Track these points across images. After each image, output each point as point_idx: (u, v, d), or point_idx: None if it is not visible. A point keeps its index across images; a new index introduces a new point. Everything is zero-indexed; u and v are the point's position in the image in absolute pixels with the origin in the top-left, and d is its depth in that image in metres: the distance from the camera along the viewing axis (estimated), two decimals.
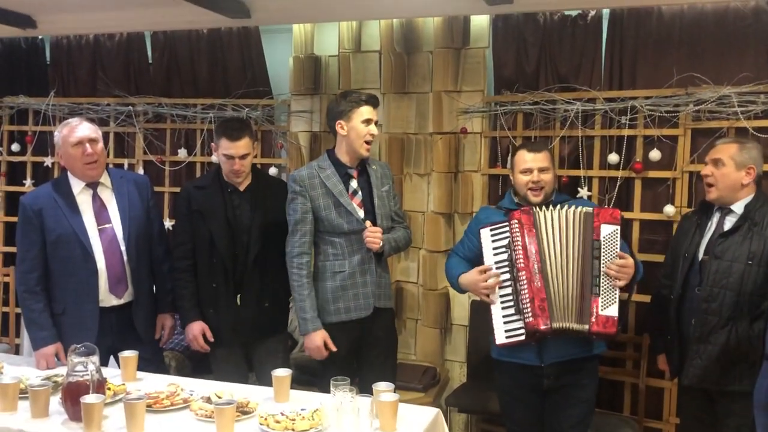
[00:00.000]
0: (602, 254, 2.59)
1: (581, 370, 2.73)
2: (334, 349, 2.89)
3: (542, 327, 2.56)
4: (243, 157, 2.99)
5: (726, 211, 2.75)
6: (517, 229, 2.65)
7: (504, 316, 2.67)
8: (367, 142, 2.89)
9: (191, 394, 2.53)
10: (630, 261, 2.59)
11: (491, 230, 2.74)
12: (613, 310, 2.55)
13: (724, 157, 2.70)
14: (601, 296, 2.56)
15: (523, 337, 2.62)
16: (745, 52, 3.34)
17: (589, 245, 2.61)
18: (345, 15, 3.91)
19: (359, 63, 4.07)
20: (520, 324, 2.62)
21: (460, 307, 3.99)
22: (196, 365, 3.76)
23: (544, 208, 2.69)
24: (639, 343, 3.53)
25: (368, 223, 2.89)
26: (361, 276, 2.91)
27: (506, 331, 2.65)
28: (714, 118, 3.36)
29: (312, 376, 3.40)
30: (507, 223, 2.69)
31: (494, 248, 2.72)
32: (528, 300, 2.59)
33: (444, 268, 3.02)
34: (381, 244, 2.87)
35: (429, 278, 4.00)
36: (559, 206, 2.67)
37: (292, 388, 2.58)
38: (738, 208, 2.71)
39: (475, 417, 3.75)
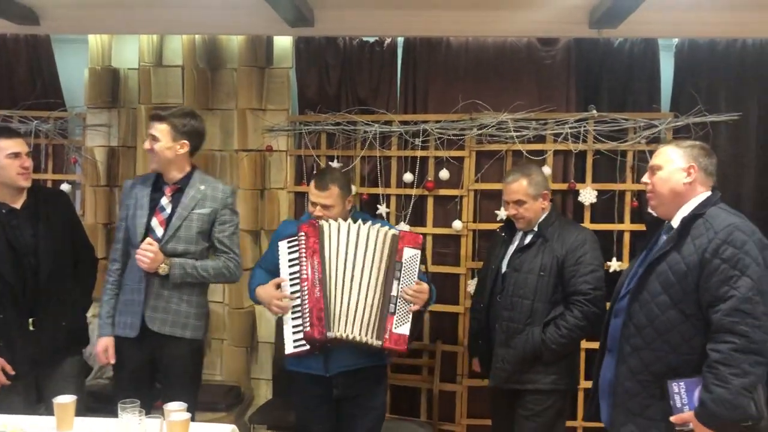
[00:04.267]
0: (402, 276, 2.71)
1: (369, 378, 2.83)
2: (112, 361, 2.85)
3: (318, 336, 2.63)
4: (28, 153, 2.86)
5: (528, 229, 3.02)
6: (304, 241, 2.73)
7: (293, 326, 2.72)
8: (151, 158, 2.84)
9: None
10: (425, 287, 2.73)
11: (288, 242, 2.79)
12: (405, 329, 2.68)
13: (521, 196, 2.92)
14: (396, 314, 2.69)
15: (308, 347, 2.68)
16: (520, 82, 3.73)
17: (391, 266, 2.72)
18: (144, 28, 3.80)
19: (161, 77, 3.98)
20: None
21: (267, 325, 4.00)
22: None
23: (332, 221, 2.76)
24: (433, 351, 3.76)
25: (147, 240, 2.76)
26: (138, 294, 2.81)
27: (294, 341, 2.71)
28: (494, 141, 3.70)
29: (107, 403, 3.22)
30: (297, 236, 2.76)
31: (289, 260, 2.78)
32: (308, 310, 2.66)
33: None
34: (150, 264, 2.72)
35: (235, 297, 3.97)
36: (351, 221, 2.76)
37: (84, 416, 2.45)
38: (535, 225, 2.98)
39: None
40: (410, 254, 2.73)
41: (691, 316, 2.19)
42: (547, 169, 3.62)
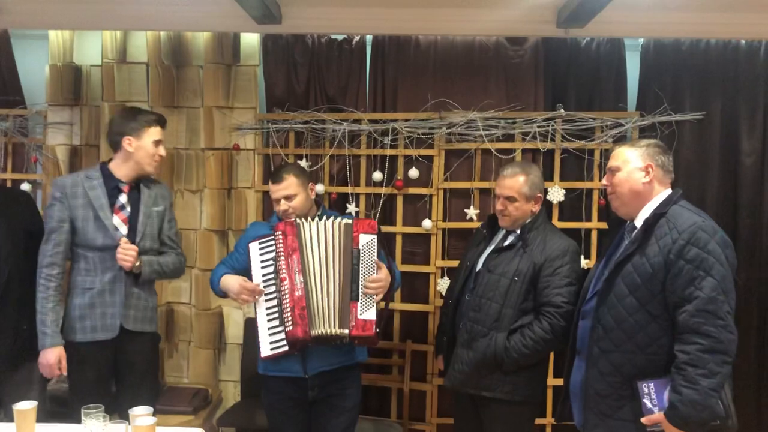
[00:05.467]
0: (361, 262, 2.70)
1: (344, 379, 2.81)
2: (64, 372, 2.77)
3: (301, 335, 2.61)
4: None
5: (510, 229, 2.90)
6: (281, 241, 2.70)
7: (269, 328, 2.69)
8: (156, 162, 2.88)
9: None
10: (383, 274, 2.69)
11: (260, 243, 2.76)
12: (371, 314, 2.66)
13: (515, 193, 2.79)
14: (360, 301, 2.67)
15: (286, 348, 2.65)
16: (488, 81, 3.72)
17: (349, 254, 2.70)
18: (107, 24, 3.72)
19: (125, 74, 3.90)
20: (283, 335, 2.66)
21: (235, 326, 3.94)
22: None
23: (309, 219, 2.75)
24: (403, 350, 3.75)
25: (123, 239, 2.77)
26: (110, 295, 2.78)
27: (271, 342, 2.68)
28: (464, 140, 3.70)
29: (71, 409, 3.15)
30: (273, 236, 2.73)
31: (262, 261, 2.75)
32: (289, 309, 2.64)
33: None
34: (133, 262, 2.76)
35: (202, 298, 3.91)
36: (317, 218, 2.75)
37: (47, 422, 2.38)
38: (518, 227, 2.84)
39: None
40: (366, 240, 2.72)
41: (658, 317, 2.21)
42: None
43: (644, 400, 2.20)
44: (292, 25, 3.60)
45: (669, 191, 2.35)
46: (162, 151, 2.89)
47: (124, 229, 2.82)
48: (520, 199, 2.81)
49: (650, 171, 2.33)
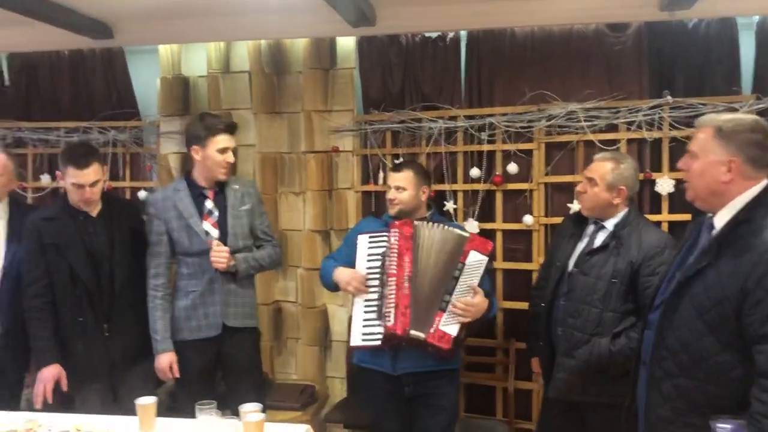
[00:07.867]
0: (462, 276, 2.70)
1: (438, 379, 2.82)
2: (176, 375, 2.93)
3: (400, 332, 2.65)
4: (93, 184, 2.86)
5: (599, 225, 2.78)
6: (396, 239, 2.76)
7: (365, 320, 2.76)
8: (225, 168, 2.93)
9: (49, 430, 2.42)
10: (477, 300, 2.67)
11: (370, 237, 2.85)
12: (452, 329, 2.67)
13: (597, 176, 2.72)
14: (447, 313, 2.68)
15: (379, 342, 2.70)
16: (589, 70, 3.59)
17: (453, 264, 2.72)
18: (211, 36, 3.89)
19: (229, 83, 4.07)
20: (379, 329, 2.71)
21: (340, 323, 4.02)
22: (63, 401, 3.57)
23: (426, 223, 2.81)
24: (507, 349, 3.69)
25: (214, 242, 2.90)
26: (210, 295, 2.94)
27: (363, 334, 2.75)
28: (564, 132, 3.59)
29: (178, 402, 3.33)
30: (386, 233, 2.79)
31: (369, 255, 2.82)
32: (393, 305, 2.68)
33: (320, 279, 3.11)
34: (226, 263, 2.88)
35: (307, 296, 4.02)
36: (439, 225, 2.80)
37: (165, 416, 2.53)
38: (610, 224, 2.73)
39: (356, 431, 3.78)
40: (476, 258, 2.71)
41: (731, 346, 1.87)
42: None
43: None
44: (387, 26, 3.63)
45: (761, 186, 1.92)
46: (230, 158, 2.92)
47: (215, 233, 2.94)
48: (601, 184, 2.71)
49: (733, 167, 1.91)
